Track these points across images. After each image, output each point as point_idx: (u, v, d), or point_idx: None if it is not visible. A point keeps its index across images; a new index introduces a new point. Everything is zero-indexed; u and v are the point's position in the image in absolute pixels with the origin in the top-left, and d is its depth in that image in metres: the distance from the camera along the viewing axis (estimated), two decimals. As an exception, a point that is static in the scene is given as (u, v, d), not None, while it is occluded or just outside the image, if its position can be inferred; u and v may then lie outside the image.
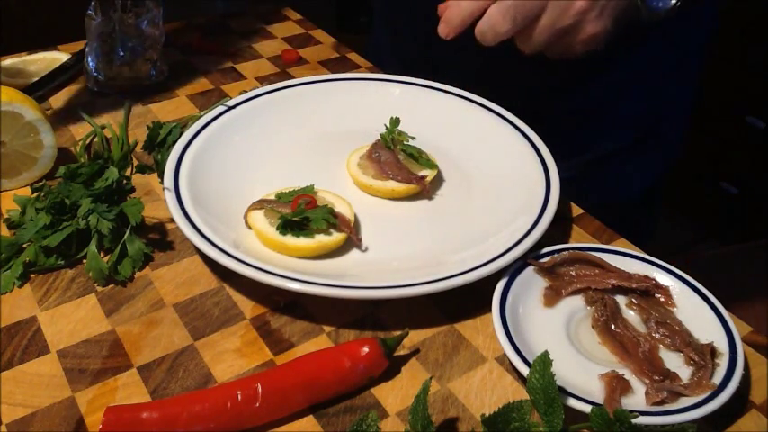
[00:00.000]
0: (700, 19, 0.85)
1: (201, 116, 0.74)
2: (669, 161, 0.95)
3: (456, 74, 0.82)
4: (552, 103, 0.87)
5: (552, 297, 0.58)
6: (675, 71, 0.88)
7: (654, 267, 0.60)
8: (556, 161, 0.69)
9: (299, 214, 0.61)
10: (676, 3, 0.65)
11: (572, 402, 0.48)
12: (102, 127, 0.72)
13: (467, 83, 0.80)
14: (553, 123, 0.84)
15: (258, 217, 0.63)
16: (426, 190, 0.69)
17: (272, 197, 0.64)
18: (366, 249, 0.63)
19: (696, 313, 0.56)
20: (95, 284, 0.59)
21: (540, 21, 0.63)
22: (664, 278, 0.59)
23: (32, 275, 0.60)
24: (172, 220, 0.62)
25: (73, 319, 0.56)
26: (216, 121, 0.73)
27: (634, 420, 0.44)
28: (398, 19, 0.95)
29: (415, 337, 0.56)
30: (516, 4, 0.62)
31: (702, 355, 0.52)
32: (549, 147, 0.71)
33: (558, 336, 0.55)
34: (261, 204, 0.63)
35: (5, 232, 0.63)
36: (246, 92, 0.79)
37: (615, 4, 0.64)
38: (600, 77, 0.83)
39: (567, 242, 0.66)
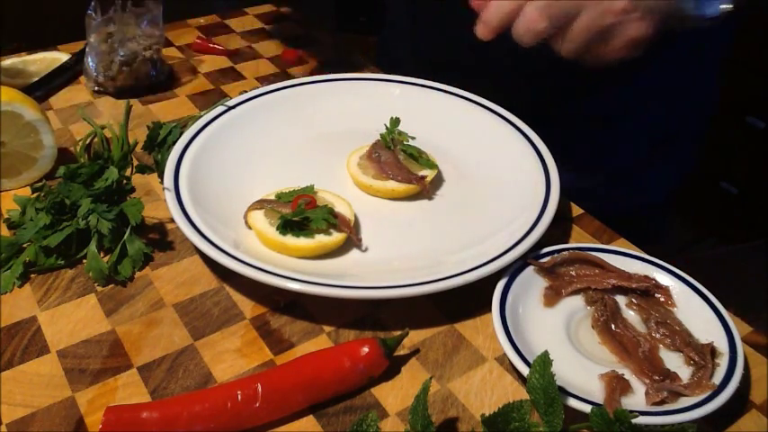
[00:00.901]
0: (722, 25, 0.84)
1: (201, 116, 0.74)
2: (686, 169, 0.93)
3: (469, 76, 0.81)
4: (573, 109, 0.85)
5: (552, 297, 0.58)
6: (695, 78, 0.86)
7: (654, 267, 0.60)
8: (575, 169, 0.68)
9: (299, 214, 0.61)
10: (724, 9, 0.61)
11: (572, 402, 0.48)
12: (103, 127, 0.72)
13: (482, 87, 0.79)
14: (573, 130, 0.83)
15: (258, 217, 0.63)
16: (426, 190, 0.69)
17: (272, 197, 0.64)
18: (366, 249, 0.63)
19: (696, 313, 0.56)
20: (95, 284, 0.59)
21: (579, 20, 0.59)
22: (664, 278, 0.59)
23: (32, 275, 0.59)
24: (172, 220, 0.62)
25: (73, 319, 0.56)
26: (216, 121, 0.73)
27: (634, 420, 0.44)
28: (417, 19, 0.94)
29: (415, 337, 0.55)
30: (552, 2, 0.59)
31: (702, 355, 0.52)
32: (567, 153, 0.70)
33: (558, 336, 0.55)
34: (261, 204, 0.63)
35: (5, 232, 0.63)
36: (246, 92, 0.79)
37: (660, 7, 0.60)
38: (620, 83, 0.81)
39: (567, 242, 0.66)
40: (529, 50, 0.63)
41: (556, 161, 0.69)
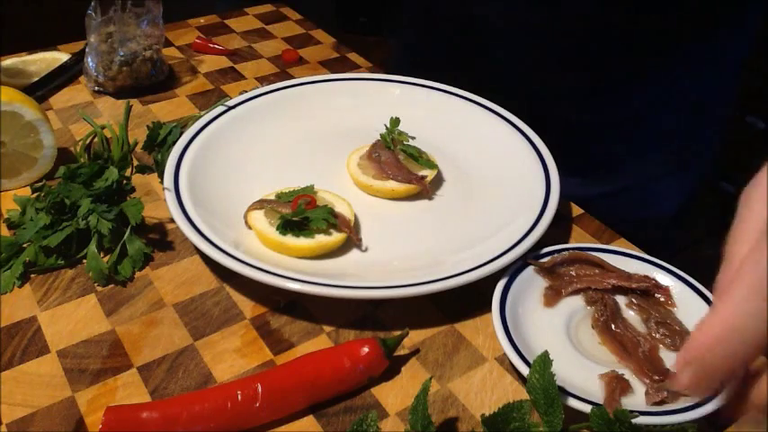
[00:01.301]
0: (742, 30, 0.80)
1: (201, 116, 0.74)
2: (699, 181, 0.90)
3: (486, 82, 0.80)
4: (588, 116, 0.83)
5: (552, 297, 0.58)
6: (714, 85, 0.83)
7: (654, 267, 0.60)
8: (581, 178, 0.67)
9: (299, 214, 0.61)
10: None
11: (572, 402, 0.47)
12: (102, 127, 0.72)
13: (498, 92, 0.79)
14: (579, 137, 0.82)
15: (258, 217, 0.63)
16: (426, 190, 0.69)
17: (272, 197, 0.64)
18: (366, 249, 0.63)
19: (696, 313, 0.56)
20: (95, 284, 0.59)
21: None
22: (664, 278, 0.59)
23: (32, 275, 0.59)
24: (172, 220, 0.62)
25: (73, 319, 0.56)
26: (216, 121, 0.73)
27: (634, 420, 0.44)
28: (433, 25, 0.92)
29: (415, 337, 0.55)
30: None
31: (702, 355, 0.52)
32: (573, 162, 0.69)
33: (558, 336, 0.55)
34: (261, 204, 0.63)
35: (5, 232, 0.63)
36: (246, 92, 0.79)
37: None
38: (638, 89, 0.80)
39: (567, 242, 0.66)
40: (540, 48, 0.59)
41: (560, 169, 0.68)
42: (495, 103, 0.77)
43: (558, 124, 0.77)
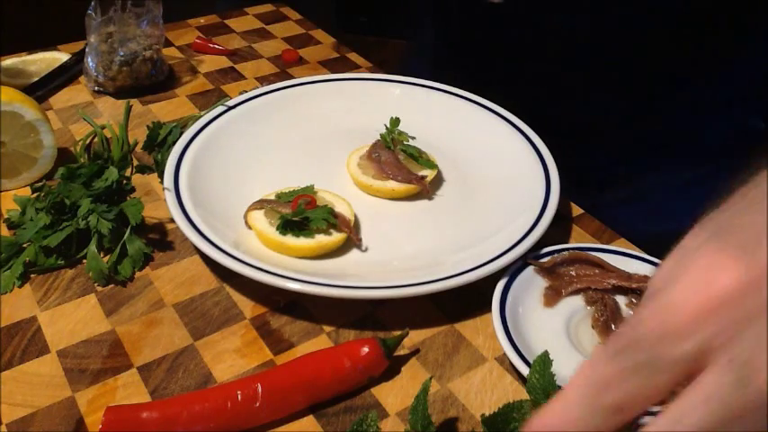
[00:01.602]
0: (756, 35, 0.77)
1: (201, 116, 0.74)
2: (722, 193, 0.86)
3: (486, 82, 0.80)
4: (589, 116, 0.81)
5: (552, 297, 0.58)
6: (721, 89, 0.81)
7: (654, 267, 0.60)
8: (588, 180, 0.66)
9: (299, 214, 0.61)
10: None
11: (572, 402, 0.47)
12: (103, 127, 0.72)
13: (498, 92, 0.78)
14: (589, 137, 0.81)
15: (258, 217, 0.63)
16: (426, 190, 0.69)
17: (272, 197, 0.64)
18: (366, 249, 0.63)
19: (696, 313, 0.56)
20: (95, 284, 0.59)
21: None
22: (664, 278, 0.59)
23: (32, 275, 0.59)
24: (172, 220, 0.62)
25: (73, 319, 0.56)
26: (216, 121, 0.73)
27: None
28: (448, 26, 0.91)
29: (415, 337, 0.55)
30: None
31: (702, 355, 0.52)
32: (582, 162, 0.68)
33: (558, 336, 0.55)
34: (261, 204, 0.63)
35: (5, 232, 0.63)
36: (246, 92, 0.79)
37: None
38: (639, 90, 0.78)
39: (567, 242, 0.66)
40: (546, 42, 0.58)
41: (560, 169, 0.68)
42: (495, 103, 0.78)
43: (558, 124, 0.76)
